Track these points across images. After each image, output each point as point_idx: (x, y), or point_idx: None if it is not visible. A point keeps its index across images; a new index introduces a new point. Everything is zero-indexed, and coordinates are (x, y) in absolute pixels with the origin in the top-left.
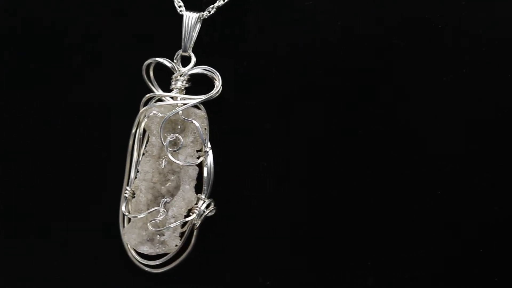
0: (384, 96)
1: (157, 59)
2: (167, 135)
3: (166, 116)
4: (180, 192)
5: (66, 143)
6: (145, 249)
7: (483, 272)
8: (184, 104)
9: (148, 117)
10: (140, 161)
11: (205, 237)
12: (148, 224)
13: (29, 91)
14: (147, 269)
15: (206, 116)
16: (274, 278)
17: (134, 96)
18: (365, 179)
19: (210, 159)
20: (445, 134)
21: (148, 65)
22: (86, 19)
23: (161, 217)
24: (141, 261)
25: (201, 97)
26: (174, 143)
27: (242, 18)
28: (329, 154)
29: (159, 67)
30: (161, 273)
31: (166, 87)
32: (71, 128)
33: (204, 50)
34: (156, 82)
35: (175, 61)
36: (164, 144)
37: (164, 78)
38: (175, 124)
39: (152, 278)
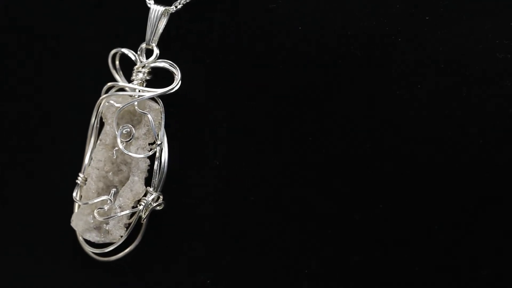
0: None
1: (122, 49)
2: (122, 126)
3: (121, 106)
4: (128, 183)
5: (29, 131)
6: (92, 237)
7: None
8: (141, 96)
9: (102, 106)
10: (94, 149)
11: (153, 231)
12: (95, 212)
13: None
14: (95, 256)
15: (161, 109)
16: (216, 277)
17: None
18: (318, 179)
19: (164, 153)
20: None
21: (114, 55)
22: (61, 7)
23: (107, 206)
24: (88, 249)
25: (158, 90)
26: (128, 134)
27: (209, 13)
28: (287, 153)
29: (128, 59)
30: (107, 262)
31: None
32: (35, 114)
33: (170, 44)
34: (124, 73)
35: (138, 53)
36: (117, 133)
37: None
38: (133, 116)
39: (99, 266)
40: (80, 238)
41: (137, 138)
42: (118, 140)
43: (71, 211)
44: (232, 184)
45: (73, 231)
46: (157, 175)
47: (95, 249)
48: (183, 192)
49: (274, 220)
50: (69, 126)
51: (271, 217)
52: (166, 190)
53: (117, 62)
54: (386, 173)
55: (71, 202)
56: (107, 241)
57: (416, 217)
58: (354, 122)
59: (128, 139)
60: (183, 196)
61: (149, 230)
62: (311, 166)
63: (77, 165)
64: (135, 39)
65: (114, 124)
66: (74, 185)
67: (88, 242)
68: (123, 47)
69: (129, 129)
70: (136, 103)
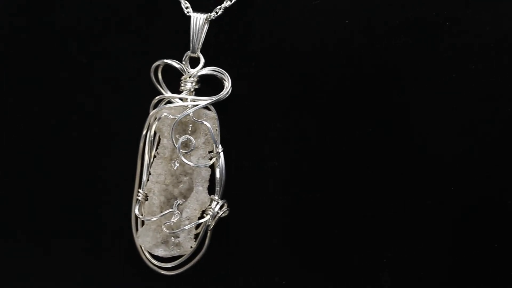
0: (392, 96)
1: (166, 60)
2: (178, 136)
3: (177, 118)
4: (193, 193)
5: (75, 146)
6: (160, 252)
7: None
8: (195, 105)
9: (159, 119)
10: (152, 164)
11: (218, 238)
12: (163, 226)
13: (36, 93)
14: (162, 271)
15: (216, 117)
16: (289, 278)
17: (143, 98)
18: (374, 179)
19: (221, 159)
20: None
21: (157, 67)
22: (91, 21)
23: (175, 219)
24: (156, 264)
25: (212, 98)
26: (186, 144)
27: (249, 18)
28: (337, 153)
29: (166, 68)
30: (175, 275)
31: (175, 89)
32: (79, 131)
33: (212, 50)
34: (164, 84)
35: (183, 62)
36: (176, 146)
37: (172, 80)
38: (185, 126)
39: (165, 280)
40: (147, 254)
41: (197, 147)
42: (179, 152)
43: (124, 227)
44: (292, 184)
45: (129, 246)
46: (220, 182)
47: (163, 263)
48: (244, 196)
49: (341, 216)
50: (116, 142)
51: (338, 214)
52: (225, 196)
53: (159, 75)
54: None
55: (121, 219)
56: (177, 254)
57: None
58: (413, 118)
59: (188, 150)
60: (244, 200)
61: (214, 238)
62: (368, 161)
63: (128, 182)
64: (165, 49)
65: (172, 136)
66: (125, 201)
67: (153, 257)
68: (157, 58)
69: (188, 140)
70: (191, 113)
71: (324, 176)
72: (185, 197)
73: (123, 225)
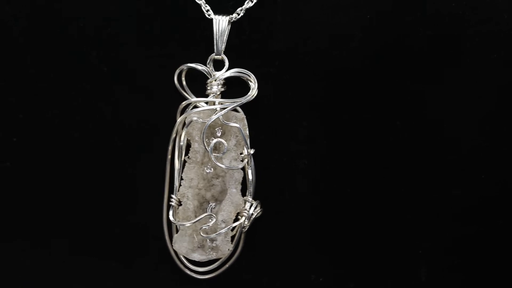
0: (417, 89)
1: (190, 64)
2: (208, 140)
3: (208, 122)
4: (227, 196)
5: (101, 155)
6: (196, 256)
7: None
8: (224, 108)
9: (188, 124)
10: (183, 169)
11: (250, 239)
12: (200, 231)
13: (60, 104)
14: (199, 276)
15: (245, 118)
16: (325, 275)
17: (166, 105)
18: (404, 172)
19: (252, 160)
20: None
21: (180, 72)
22: (111, 29)
23: (212, 222)
24: (194, 269)
25: (239, 100)
26: (216, 147)
27: (270, 18)
28: (365, 148)
29: (188, 72)
30: (211, 278)
31: (197, 92)
32: (105, 140)
33: (234, 52)
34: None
35: (207, 65)
36: (208, 149)
37: (192, 84)
38: (213, 129)
39: (200, 283)
40: (183, 259)
41: (229, 150)
42: (212, 155)
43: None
44: (322, 181)
45: (161, 252)
46: (253, 183)
47: (200, 268)
48: (275, 196)
49: (372, 211)
50: (142, 149)
51: (369, 209)
52: (256, 196)
53: (183, 79)
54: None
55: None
56: (213, 257)
57: None
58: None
59: (221, 153)
60: (274, 200)
61: (248, 238)
62: (397, 154)
63: (156, 189)
64: (188, 53)
65: (204, 140)
66: (154, 208)
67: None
68: (178, 63)
69: (220, 143)
70: (221, 116)
71: (353, 171)
72: (217, 200)
73: (153, 232)
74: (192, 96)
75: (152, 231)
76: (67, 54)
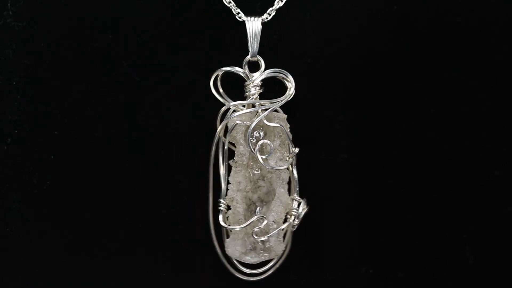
0: (452, 78)
1: (227, 68)
2: (253, 142)
3: (252, 124)
4: (276, 196)
5: (139, 163)
6: (249, 259)
7: None
8: (266, 109)
9: (232, 128)
10: (230, 173)
11: (298, 236)
12: (253, 233)
13: (97, 117)
14: (252, 278)
15: (286, 117)
16: (374, 266)
17: (201, 110)
18: (443, 159)
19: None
20: None
21: (216, 76)
22: (138, 37)
23: (263, 224)
24: (247, 271)
25: (280, 100)
26: (266, 149)
27: (299, 16)
28: (403, 138)
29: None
30: (263, 279)
31: (229, 95)
32: (146, 150)
33: (266, 52)
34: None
35: (244, 68)
36: (254, 151)
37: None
38: (254, 131)
39: (253, 285)
40: (236, 263)
41: (275, 150)
42: (259, 157)
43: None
44: (364, 174)
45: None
46: (298, 181)
47: (253, 270)
48: (319, 192)
49: (415, 199)
50: (182, 155)
51: (411, 198)
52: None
53: (219, 84)
54: None
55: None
56: (266, 258)
57: None
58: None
59: (267, 154)
60: (319, 196)
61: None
62: (435, 142)
63: (198, 194)
64: (219, 57)
65: (249, 143)
66: (197, 214)
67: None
68: (211, 68)
69: (266, 144)
70: (264, 117)
71: (393, 161)
72: (263, 201)
73: (200, 237)
74: (229, 99)
75: (198, 236)
76: (99, 66)
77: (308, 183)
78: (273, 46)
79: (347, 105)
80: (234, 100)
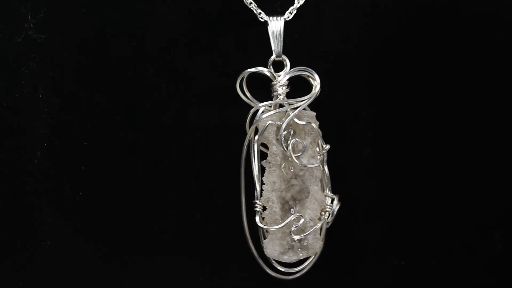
0: (476, 66)
1: (253, 69)
2: (285, 141)
3: (283, 123)
4: (311, 194)
5: (169, 170)
6: (287, 258)
7: None
8: (296, 108)
9: (265, 129)
10: (263, 173)
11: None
12: (291, 233)
13: (126, 124)
14: (290, 277)
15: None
16: (405, 258)
17: (228, 112)
18: (470, 147)
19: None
20: None
21: (242, 78)
22: (162, 42)
23: (301, 222)
24: (285, 270)
25: (307, 98)
26: (299, 147)
27: (319, 12)
28: (426, 129)
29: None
30: (300, 276)
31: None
32: (166, 152)
33: (288, 51)
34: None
35: (269, 68)
36: (288, 150)
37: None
38: (279, 129)
39: (289, 283)
40: (273, 263)
41: (307, 148)
42: (293, 156)
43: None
44: (390, 166)
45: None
46: (329, 178)
47: (289, 269)
48: (346, 186)
49: (442, 187)
50: (212, 159)
51: (438, 186)
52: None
53: (244, 85)
54: None
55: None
56: (304, 256)
57: None
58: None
59: (300, 153)
60: (346, 190)
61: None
62: (459, 129)
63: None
64: (243, 58)
65: (282, 142)
66: (230, 216)
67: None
68: (235, 69)
69: (298, 142)
70: (295, 116)
71: (419, 153)
72: (295, 199)
73: (234, 239)
74: (255, 101)
75: (233, 239)
76: (124, 73)
77: (335, 179)
78: (294, 45)
79: (370, 99)
80: (260, 101)
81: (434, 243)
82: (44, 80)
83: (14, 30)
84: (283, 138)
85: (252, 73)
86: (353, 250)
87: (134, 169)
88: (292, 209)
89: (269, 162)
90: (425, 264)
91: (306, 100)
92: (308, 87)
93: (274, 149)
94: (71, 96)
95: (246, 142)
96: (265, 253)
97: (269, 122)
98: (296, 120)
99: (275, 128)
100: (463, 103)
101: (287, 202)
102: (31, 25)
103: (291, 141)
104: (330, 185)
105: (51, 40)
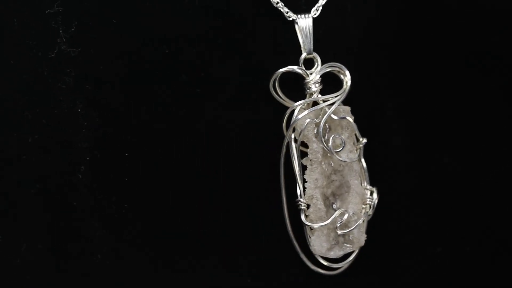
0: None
1: (285, 69)
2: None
3: (322, 120)
4: (352, 188)
5: (206, 172)
6: (333, 253)
7: None
8: (332, 103)
9: (305, 127)
10: (304, 171)
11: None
12: (337, 228)
13: (164, 132)
14: (335, 272)
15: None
16: (443, 245)
17: (262, 112)
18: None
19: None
20: None
21: (275, 78)
22: (194, 48)
23: (345, 217)
24: (330, 266)
25: (341, 93)
26: (338, 143)
27: (342, 9)
28: (454, 115)
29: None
30: (343, 271)
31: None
32: (205, 155)
33: (316, 47)
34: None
35: (301, 65)
36: (329, 147)
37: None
38: (317, 126)
39: (333, 278)
40: (321, 260)
41: (346, 143)
42: (334, 152)
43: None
44: (419, 156)
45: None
46: (367, 171)
47: (333, 264)
48: (379, 177)
49: (474, 176)
50: (250, 160)
51: (472, 174)
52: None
53: (277, 85)
54: None
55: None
56: (349, 251)
57: None
58: None
59: (340, 148)
60: (380, 181)
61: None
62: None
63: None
64: (271, 59)
65: (322, 139)
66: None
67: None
68: (267, 70)
69: (337, 138)
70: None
71: (448, 140)
72: (335, 194)
73: (277, 239)
74: (289, 100)
75: (276, 238)
76: (159, 81)
77: (369, 171)
78: (320, 41)
79: (396, 90)
80: (292, 99)
81: (470, 231)
82: (81, 94)
83: (47, 46)
84: (322, 135)
85: (291, 72)
86: (392, 241)
87: (177, 176)
88: (333, 205)
89: (310, 160)
90: (460, 249)
91: (339, 96)
92: (335, 83)
93: (314, 146)
94: (109, 108)
95: (285, 142)
96: (312, 250)
97: (308, 120)
98: (332, 115)
99: (314, 126)
100: (490, 89)
101: (328, 198)
102: (64, 40)
103: (331, 137)
104: (368, 178)
105: (85, 53)
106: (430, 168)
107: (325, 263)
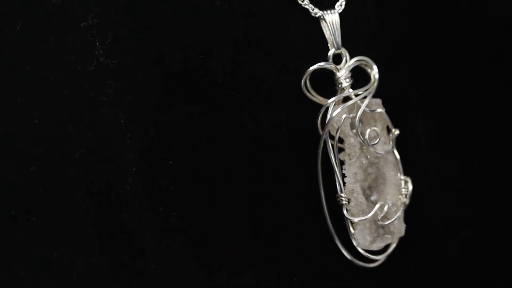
0: None
1: (317, 66)
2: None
3: (358, 114)
4: (388, 180)
5: (247, 174)
6: (376, 246)
7: None
8: (364, 97)
9: (342, 123)
10: (343, 166)
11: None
12: (379, 220)
13: (201, 132)
14: (376, 264)
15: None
16: (472, 227)
17: (296, 110)
18: None
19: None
20: None
21: (306, 76)
22: (226, 51)
23: (385, 208)
24: (373, 258)
25: (371, 86)
26: (374, 135)
27: (362, 2)
28: (480, 109)
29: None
30: (384, 261)
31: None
32: (245, 158)
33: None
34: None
35: (330, 62)
36: (366, 140)
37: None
38: (353, 120)
39: (375, 270)
40: (364, 253)
41: (381, 135)
42: (370, 145)
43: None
44: (444, 144)
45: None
46: (400, 161)
47: (374, 256)
48: (409, 167)
49: (503, 168)
50: (287, 159)
51: (500, 164)
52: None
53: (308, 83)
54: None
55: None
56: (389, 242)
57: None
58: None
59: (376, 141)
60: (411, 171)
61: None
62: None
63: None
64: (299, 56)
65: (359, 132)
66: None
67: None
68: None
69: (374, 131)
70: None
71: (470, 128)
72: (371, 187)
73: (316, 236)
74: (320, 97)
75: (315, 235)
76: (197, 87)
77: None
78: (344, 36)
79: (419, 84)
80: (323, 96)
81: (495, 214)
82: (123, 105)
83: (86, 59)
84: (359, 129)
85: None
86: (419, 227)
87: (219, 181)
88: (371, 197)
89: (348, 154)
90: (487, 233)
91: (370, 89)
92: (358, 77)
93: (351, 140)
94: (152, 118)
95: (322, 138)
96: (355, 244)
97: (345, 115)
98: (366, 108)
99: (350, 120)
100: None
101: (365, 191)
102: (101, 52)
103: (367, 131)
104: (401, 168)
105: (123, 64)
106: (453, 155)
107: (368, 255)
